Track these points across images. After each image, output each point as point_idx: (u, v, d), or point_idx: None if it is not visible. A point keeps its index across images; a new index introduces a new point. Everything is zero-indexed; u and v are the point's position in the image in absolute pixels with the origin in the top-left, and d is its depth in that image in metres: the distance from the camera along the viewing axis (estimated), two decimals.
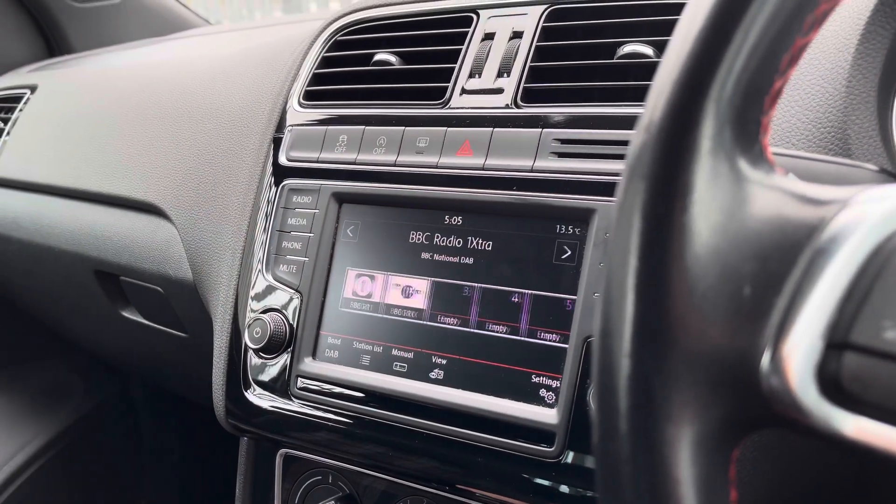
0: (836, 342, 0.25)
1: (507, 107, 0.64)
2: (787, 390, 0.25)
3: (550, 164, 0.60)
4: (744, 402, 0.26)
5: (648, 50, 0.60)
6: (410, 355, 0.63)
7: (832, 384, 0.25)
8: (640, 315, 0.27)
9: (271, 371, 0.68)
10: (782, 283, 0.26)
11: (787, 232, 0.26)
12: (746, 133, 0.28)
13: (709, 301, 0.26)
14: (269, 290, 0.70)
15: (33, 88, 1.23)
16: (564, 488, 0.56)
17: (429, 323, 0.62)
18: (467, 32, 0.70)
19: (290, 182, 0.72)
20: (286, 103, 0.77)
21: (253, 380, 0.70)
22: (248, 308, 0.71)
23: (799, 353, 0.25)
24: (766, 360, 0.26)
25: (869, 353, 0.24)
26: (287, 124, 0.76)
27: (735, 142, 0.28)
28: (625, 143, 0.57)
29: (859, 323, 0.25)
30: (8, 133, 1.19)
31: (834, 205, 0.26)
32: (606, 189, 0.57)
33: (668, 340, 0.27)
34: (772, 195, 0.27)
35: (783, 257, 0.26)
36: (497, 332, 0.60)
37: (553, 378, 0.57)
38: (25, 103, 1.21)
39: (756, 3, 0.26)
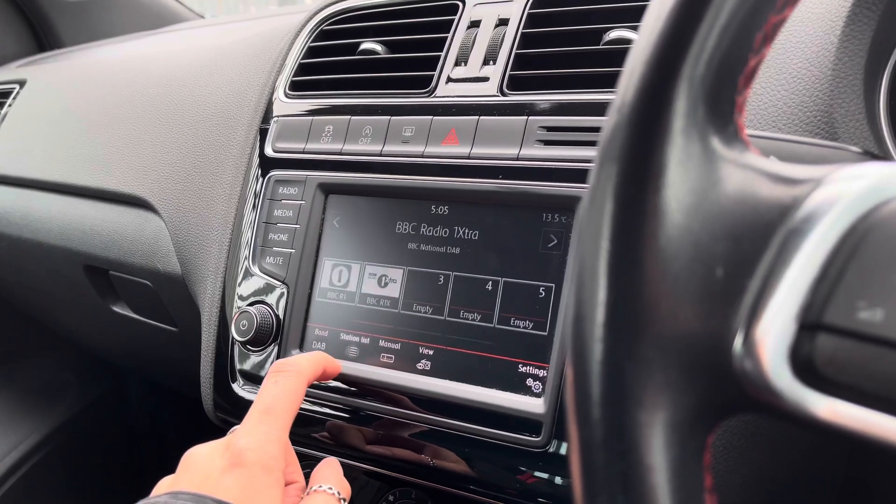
0: (810, 323, 0.24)
1: (493, 95, 0.64)
2: (761, 373, 0.25)
3: (536, 152, 0.59)
4: (717, 387, 0.26)
5: (634, 35, 0.60)
6: (397, 346, 0.62)
7: (806, 366, 0.24)
8: (611, 299, 0.26)
9: (259, 364, 0.68)
10: (755, 264, 0.25)
11: (760, 212, 0.26)
12: (720, 112, 0.28)
13: (681, 283, 0.26)
14: (256, 282, 0.69)
15: (22, 83, 1.22)
16: (552, 477, 0.55)
17: (415, 314, 0.62)
18: (453, 20, 0.69)
19: (276, 173, 0.72)
20: (272, 94, 0.77)
21: (240, 373, 0.70)
22: (235, 301, 0.71)
23: (772, 335, 0.25)
24: (738, 342, 0.25)
25: (843, 334, 0.24)
26: (273, 115, 0.75)
27: (708, 121, 0.27)
28: None
29: (833, 304, 0.24)
30: None
31: (808, 184, 0.26)
32: None
33: (639, 324, 0.26)
34: (745, 174, 0.27)
35: (756, 238, 0.26)
36: (483, 321, 0.59)
37: (540, 367, 0.57)
38: (14, 98, 1.20)
39: None
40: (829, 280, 0.24)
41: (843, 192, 0.25)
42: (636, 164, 0.27)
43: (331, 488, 0.52)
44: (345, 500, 0.53)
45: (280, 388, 0.52)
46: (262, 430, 0.49)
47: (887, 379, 0.23)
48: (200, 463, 0.48)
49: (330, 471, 0.55)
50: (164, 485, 0.50)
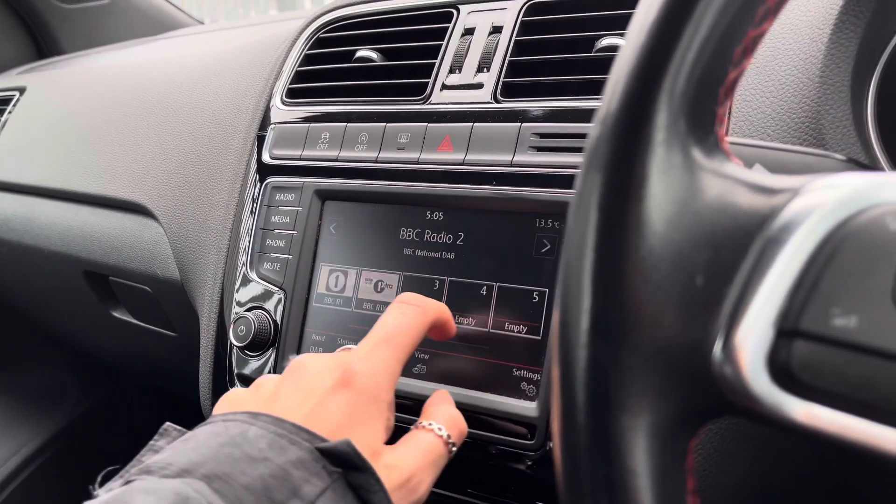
0: (787, 330, 0.25)
1: (486, 102, 0.65)
2: (739, 378, 0.25)
3: (529, 159, 0.60)
4: (697, 392, 0.27)
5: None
6: None
7: (783, 371, 0.25)
8: (595, 307, 0.27)
9: (257, 368, 0.69)
10: (734, 272, 0.26)
11: (739, 221, 0.27)
12: (701, 124, 0.28)
13: (662, 292, 0.27)
14: (254, 287, 0.70)
15: (22, 90, 1.23)
16: (546, 479, 0.56)
17: None
18: (447, 28, 0.70)
19: (273, 180, 0.72)
20: (269, 101, 0.78)
21: (238, 377, 0.70)
22: (234, 306, 0.72)
23: (750, 341, 0.25)
24: (718, 348, 0.26)
25: (818, 340, 0.25)
26: (270, 122, 0.76)
27: (689, 133, 0.28)
28: None
29: (809, 311, 0.25)
30: None
31: (786, 193, 0.27)
32: None
33: (622, 332, 0.27)
34: (725, 184, 0.28)
35: (735, 246, 0.26)
36: (477, 325, 0.60)
37: (533, 371, 0.57)
38: (14, 105, 1.21)
39: None
40: (805, 288, 0.25)
41: (820, 202, 0.26)
42: (619, 175, 0.28)
43: (440, 428, 0.48)
44: (454, 444, 0.48)
45: (405, 321, 0.49)
46: (379, 358, 0.46)
47: (861, 383, 0.24)
48: (308, 375, 0.45)
49: (443, 407, 0.51)
50: (266, 388, 0.47)
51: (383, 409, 0.45)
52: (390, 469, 0.43)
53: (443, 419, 0.49)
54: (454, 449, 0.49)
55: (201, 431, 0.41)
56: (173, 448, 0.40)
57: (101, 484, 0.40)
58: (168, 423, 0.44)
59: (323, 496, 0.38)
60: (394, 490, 0.42)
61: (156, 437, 0.44)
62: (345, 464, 0.40)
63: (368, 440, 0.43)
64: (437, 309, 0.53)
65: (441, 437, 0.48)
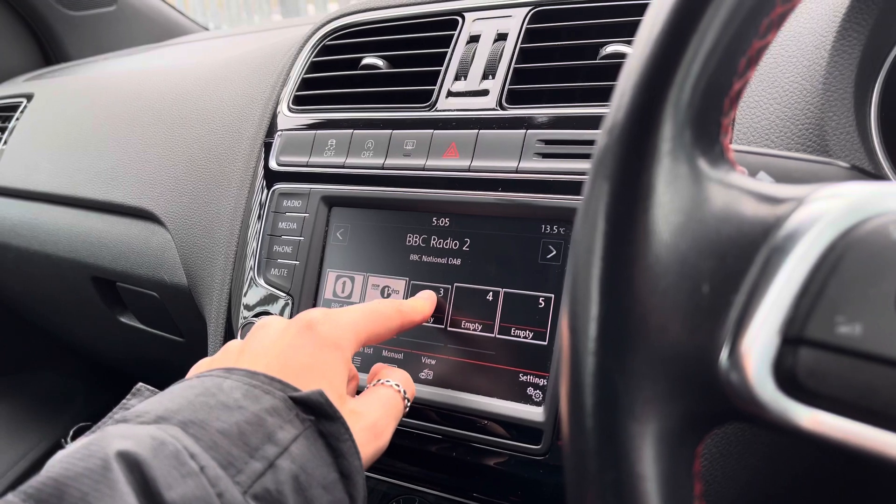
0: (792, 337, 0.25)
1: (492, 109, 0.65)
2: (746, 385, 0.26)
3: (535, 165, 0.61)
4: (704, 398, 0.27)
5: (630, 50, 0.61)
6: (400, 356, 0.63)
7: (789, 378, 0.25)
8: (603, 314, 0.28)
9: None
10: (740, 280, 0.27)
11: (744, 230, 0.27)
12: (706, 134, 0.29)
13: (669, 299, 0.27)
14: (261, 293, 0.71)
15: (29, 97, 1.24)
16: (553, 485, 0.56)
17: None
18: (453, 35, 0.71)
19: (280, 186, 0.73)
20: (276, 108, 0.78)
21: None
22: (241, 312, 0.72)
23: (756, 348, 0.26)
24: (724, 355, 0.26)
25: (823, 347, 0.25)
26: (277, 129, 0.77)
27: (695, 143, 0.28)
28: None
29: (814, 319, 0.25)
30: (5, 142, 1.20)
31: (790, 203, 0.27)
32: None
33: (630, 339, 0.27)
34: (730, 194, 0.28)
35: (741, 255, 0.27)
36: (484, 331, 0.60)
37: (540, 376, 0.58)
38: (22, 112, 1.22)
39: (711, 8, 0.27)
40: (810, 296, 0.25)
41: (824, 211, 0.26)
42: (626, 185, 0.28)
43: (397, 385, 0.52)
44: (409, 400, 0.53)
45: (377, 307, 0.53)
46: (345, 316, 0.49)
47: (866, 390, 0.24)
48: (273, 329, 0.49)
49: (394, 370, 0.55)
50: (233, 348, 0.50)
51: (346, 358, 0.48)
52: (356, 414, 0.47)
53: (397, 378, 0.54)
54: (408, 404, 0.53)
55: (176, 387, 0.43)
56: (149, 400, 0.41)
57: (74, 438, 0.40)
58: (141, 384, 0.45)
59: (296, 442, 0.40)
60: (360, 432, 0.45)
61: (128, 396, 0.44)
62: (316, 412, 0.42)
63: (335, 384, 0.46)
64: (411, 317, 0.57)
65: (399, 391, 0.52)
